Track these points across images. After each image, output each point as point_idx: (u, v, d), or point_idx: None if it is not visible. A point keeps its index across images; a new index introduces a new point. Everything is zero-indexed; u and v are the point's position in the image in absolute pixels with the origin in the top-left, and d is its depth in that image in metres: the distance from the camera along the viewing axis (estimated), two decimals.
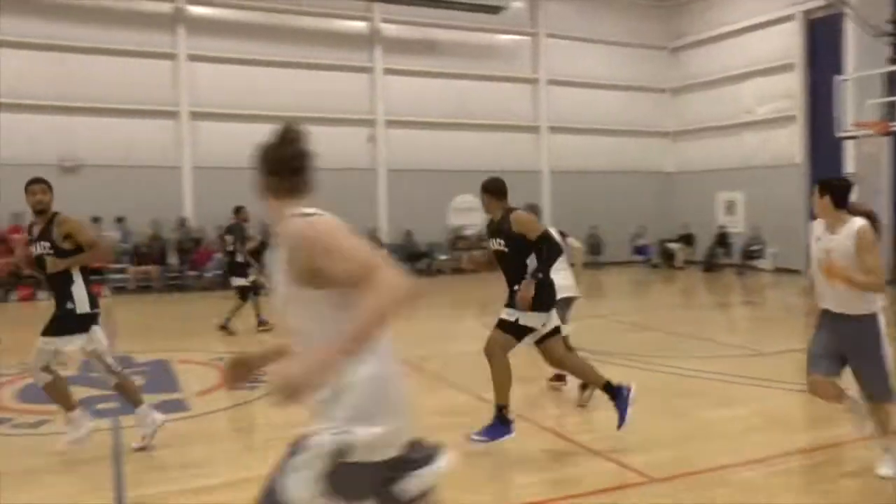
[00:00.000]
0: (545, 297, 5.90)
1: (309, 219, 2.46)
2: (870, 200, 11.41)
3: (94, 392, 8.01)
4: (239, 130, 20.17)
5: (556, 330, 6.04)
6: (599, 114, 24.80)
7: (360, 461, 2.44)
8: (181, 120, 20.30)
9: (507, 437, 5.80)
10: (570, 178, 24.15)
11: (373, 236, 21.49)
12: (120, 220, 19.03)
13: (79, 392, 7.92)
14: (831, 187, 5.05)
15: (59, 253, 5.86)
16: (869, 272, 4.82)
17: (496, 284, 12.15)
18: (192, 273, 19.29)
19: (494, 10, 22.36)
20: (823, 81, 19.56)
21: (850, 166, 18.87)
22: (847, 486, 5.10)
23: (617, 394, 5.96)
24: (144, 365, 9.61)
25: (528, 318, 5.83)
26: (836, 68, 19.11)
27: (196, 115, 20.39)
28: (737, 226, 23.01)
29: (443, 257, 21.75)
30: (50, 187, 6.01)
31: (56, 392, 6.02)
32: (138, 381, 8.66)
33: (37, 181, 5.99)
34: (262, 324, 12.27)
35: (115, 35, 19.52)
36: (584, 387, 7.27)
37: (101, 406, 7.40)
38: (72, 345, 5.93)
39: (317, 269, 2.36)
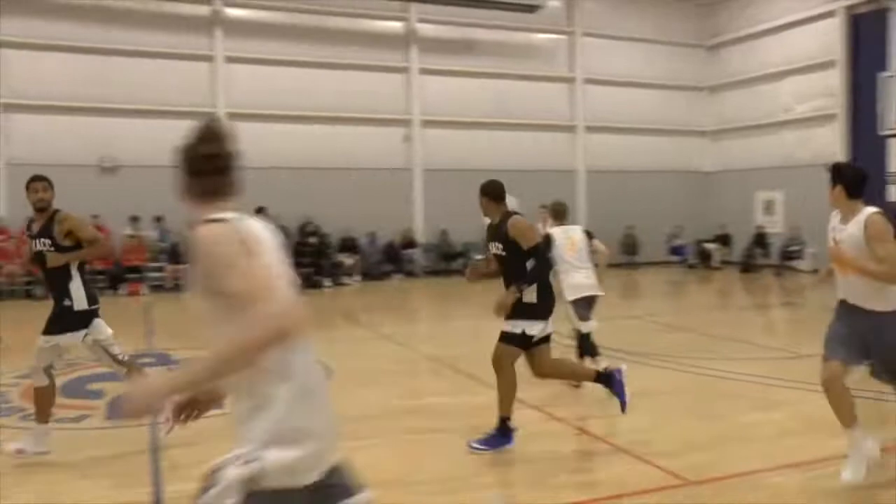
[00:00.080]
0: (546, 304, 5.85)
1: (218, 226, 2.29)
2: None
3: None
4: (275, 131, 20.47)
5: (548, 338, 5.95)
6: (636, 113, 24.60)
7: (278, 487, 2.31)
8: None
9: (508, 447, 5.78)
10: (606, 178, 23.99)
11: (408, 236, 21.59)
12: (158, 219, 19.28)
13: (115, 388, 8.07)
14: (843, 176, 4.87)
15: (59, 250, 5.87)
16: (882, 261, 4.59)
17: None
18: None
19: (531, 8, 22.29)
20: (866, 78, 19.24)
21: (893, 165, 18.53)
22: (886, 495, 4.99)
23: (611, 380, 5.94)
24: (182, 362, 9.72)
25: (532, 328, 5.78)
26: (880, 65, 18.77)
27: (233, 116, 20.53)
28: (775, 226, 22.67)
29: (478, 257, 21.63)
30: (51, 185, 6.04)
31: (43, 399, 5.97)
32: None
33: (38, 179, 6.03)
34: None
35: (153, 38, 19.81)
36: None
37: None
38: (73, 339, 5.88)
39: (215, 279, 2.24)
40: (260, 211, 12.86)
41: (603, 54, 24.38)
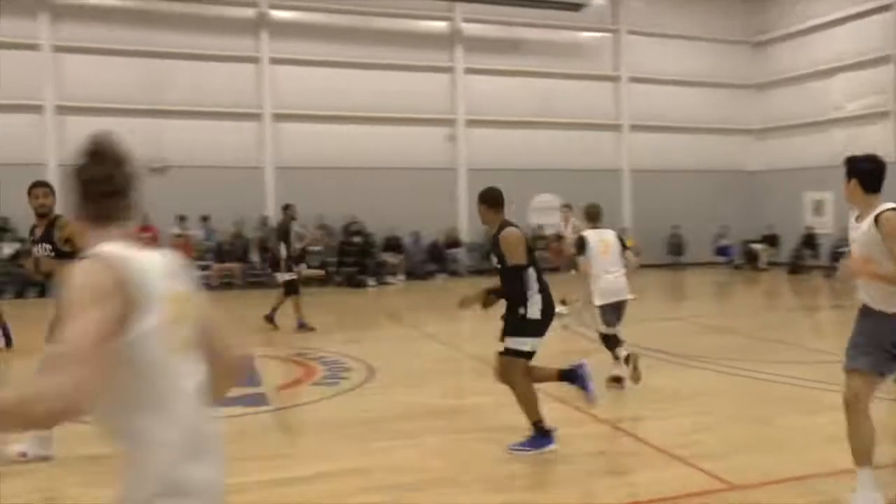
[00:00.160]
0: (549, 320, 5.80)
1: (92, 263, 2.04)
2: None
3: None
4: (320, 131, 20.66)
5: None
6: (681, 111, 24.31)
7: None
8: (264, 121, 20.76)
9: (549, 448, 5.72)
10: (651, 177, 23.76)
11: (452, 235, 21.60)
12: (205, 218, 19.57)
13: None
14: (858, 169, 4.45)
15: (59, 255, 5.84)
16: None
17: (572, 282, 12.10)
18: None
19: (576, 7, 22.18)
20: None
21: None
22: None
23: (574, 377, 5.87)
24: None
25: (535, 345, 5.74)
26: None
27: (278, 117, 20.83)
28: (825, 226, 22.22)
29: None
30: (52, 191, 6.00)
31: None
32: None
33: (39, 185, 5.99)
34: (301, 326, 12.18)
35: (200, 41, 20.12)
36: (626, 361, 7.67)
37: None
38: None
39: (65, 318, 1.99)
40: (287, 208, 12.91)
41: (648, 52, 24.16)
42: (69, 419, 1.84)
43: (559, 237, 14.33)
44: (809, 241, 22.12)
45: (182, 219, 19.14)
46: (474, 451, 5.81)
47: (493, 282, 5.96)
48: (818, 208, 22.86)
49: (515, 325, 5.71)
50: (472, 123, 22.41)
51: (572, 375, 5.95)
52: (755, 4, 25.11)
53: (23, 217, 18.01)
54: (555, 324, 9.38)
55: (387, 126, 21.27)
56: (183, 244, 19.08)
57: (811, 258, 21.89)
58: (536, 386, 5.87)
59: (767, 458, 5.65)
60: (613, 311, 8.02)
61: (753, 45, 25.33)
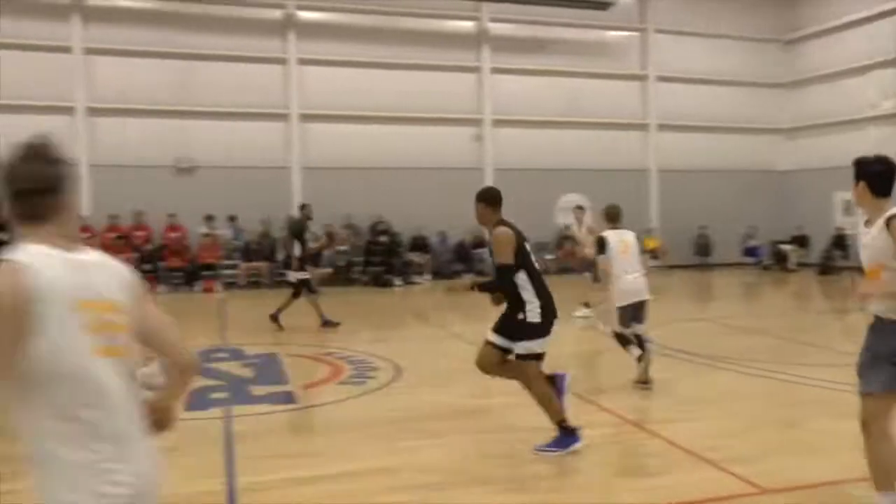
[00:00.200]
0: (549, 321, 5.73)
1: (3, 271, 2.03)
2: None
3: (208, 381, 8.34)
4: (347, 131, 20.75)
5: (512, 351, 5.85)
6: (709, 110, 24.10)
7: None
8: (291, 122, 20.87)
9: (576, 446, 5.69)
10: (678, 177, 23.59)
11: (478, 235, 21.57)
12: (232, 218, 19.71)
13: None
14: (867, 171, 4.19)
15: None
16: None
17: (588, 284, 12.03)
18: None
19: (603, 6, 22.06)
20: None
21: None
22: None
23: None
24: (254, 357, 9.92)
25: (543, 345, 5.72)
26: None
27: (305, 117, 20.93)
28: (856, 227, 21.90)
29: (549, 257, 21.59)
30: None
31: None
32: (248, 372, 9.01)
33: None
34: (326, 324, 12.21)
35: (228, 42, 20.27)
36: (640, 359, 7.78)
37: (213, 395, 7.69)
38: None
39: None
40: (303, 208, 12.94)
41: (676, 51, 23.97)
42: None
43: (572, 239, 14.26)
44: (840, 241, 21.83)
45: (210, 218, 19.29)
46: (500, 452, 5.80)
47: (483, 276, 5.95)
48: (849, 208, 22.52)
49: (518, 328, 5.70)
50: (498, 123, 22.39)
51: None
52: (786, 1, 24.84)
53: None
54: (581, 324, 9.36)
55: (413, 126, 21.31)
56: (211, 244, 19.26)
57: (841, 259, 21.58)
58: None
59: (798, 461, 5.57)
60: (633, 312, 7.99)
61: (784, 43, 25.04)
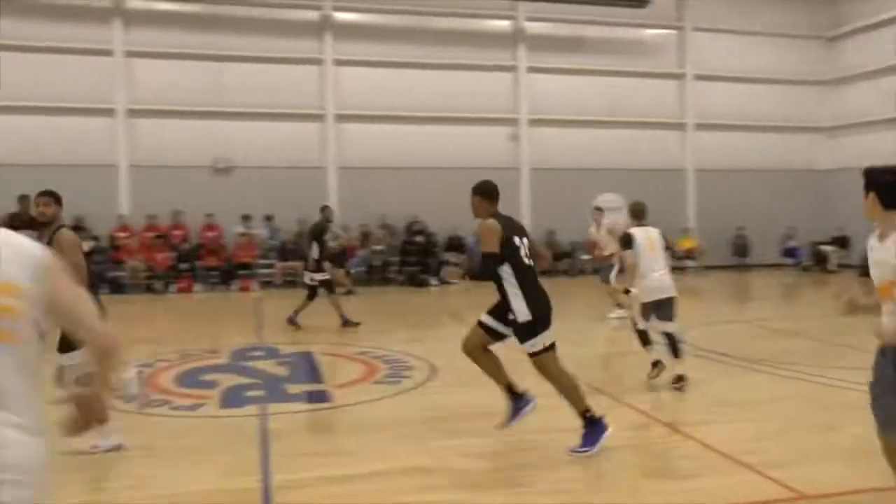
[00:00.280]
0: (542, 313, 5.74)
1: None
2: None
3: (243, 380, 8.45)
4: (383, 131, 20.84)
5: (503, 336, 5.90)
6: (748, 109, 23.77)
7: None
8: (327, 122, 21.01)
9: (606, 435, 5.67)
10: (715, 177, 23.33)
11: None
12: (268, 218, 19.89)
13: (227, 380, 8.39)
14: (876, 181, 3.96)
15: None
16: None
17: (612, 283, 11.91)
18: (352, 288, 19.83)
19: (640, 3, 21.89)
20: None
21: None
22: None
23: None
24: (290, 356, 10.01)
25: (548, 337, 5.73)
26: None
27: (341, 118, 21.06)
28: (868, 241, 21.42)
29: (585, 257, 21.50)
30: (56, 200, 5.96)
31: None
32: (283, 371, 9.10)
33: (42, 194, 5.98)
34: (346, 323, 12.24)
35: (265, 43, 20.46)
36: (654, 365, 7.94)
37: (249, 393, 7.78)
38: (72, 361, 5.64)
39: None
40: (323, 210, 13.01)
41: (714, 49, 23.70)
42: None
43: (593, 243, 14.22)
44: None
45: (246, 218, 19.48)
46: (534, 453, 5.79)
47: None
48: None
49: (518, 330, 5.73)
50: (534, 123, 22.32)
51: (518, 401, 5.91)
52: None
53: (98, 216, 18.68)
54: (615, 324, 9.31)
55: (449, 126, 21.33)
56: (247, 243, 19.46)
57: None
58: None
59: (839, 467, 5.48)
60: (658, 309, 8.02)
61: (826, 40, 24.62)
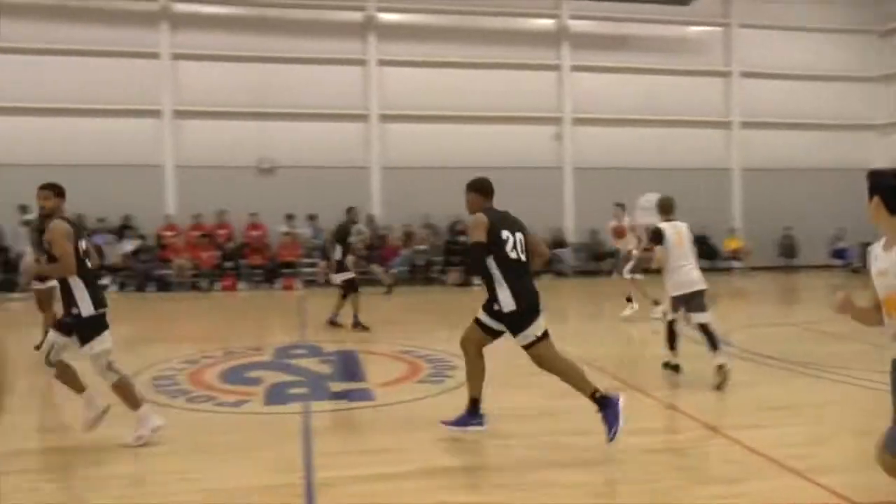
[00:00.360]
0: (528, 303, 5.83)
1: None
2: None
3: (287, 377, 8.51)
4: (426, 131, 20.90)
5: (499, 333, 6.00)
6: (796, 106, 23.36)
7: None
8: (371, 122, 21.12)
9: (622, 404, 5.66)
10: (762, 176, 22.97)
11: (558, 235, 21.45)
12: (312, 217, 20.05)
13: (271, 377, 8.46)
14: (881, 185, 3.76)
15: (49, 259, 5.93)
16: None
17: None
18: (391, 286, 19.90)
19: (684, 1, 21.66)
20: None
21: None
22: None
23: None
24: (332, 354, 10.07)
25: (537, 329, 5.80)
26: None
27: (385, 118, 21.16)
28: (873, 249, 20.84)
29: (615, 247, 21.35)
30: (56, 193, 6.01)
31: (69, 381, 6.06)
32: (326, 369, 9.15)
33: (42, 187, 6.04)
34: (357, 325, 12.26)
35: (309, 44, 20.68)
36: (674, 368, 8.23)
37: (292, 391, 7.84)
38: (74, 346, 5.89)
39: None
40: (349, 211, 13.05)
41: (761, 45, 23.33)
42: None
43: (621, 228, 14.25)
44: None
45: (290, 217, 19.67)
46: (576, 454, 5.75)
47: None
48: None
49: (507, 321, 5.83)
50: (578, 122, 22.21)
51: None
52: None
53: (145, 215, 19.02)
54: (658, 325, 9.20)
55: (493, 125, 21.31)
56: (291, 242, 19.64)
57: None
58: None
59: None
60: (688, 303, 8.11)
61: (877, 35, 24.07)
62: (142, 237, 19.03)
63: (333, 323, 12.38)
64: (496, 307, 5.81)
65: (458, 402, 6.83)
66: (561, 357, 5.88)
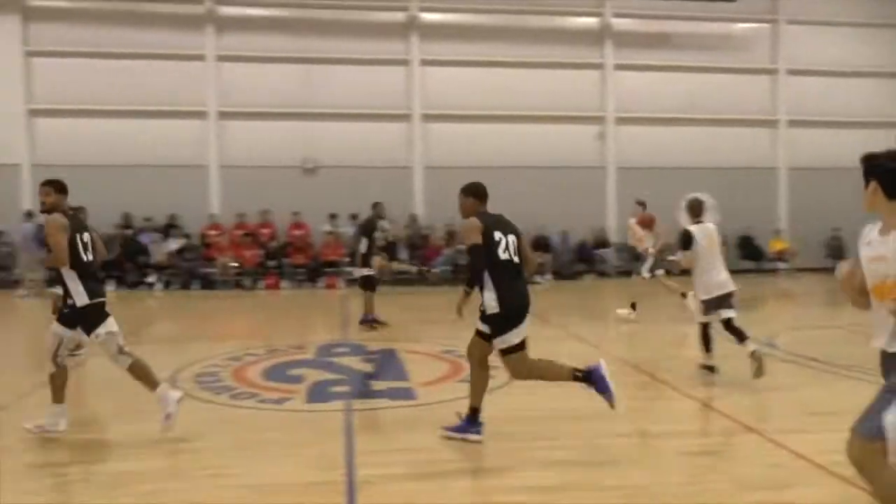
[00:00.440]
0: (513, 308, 5.80)
1: None
2: None
3: (329, 375, 8.58)
4: (469, 131, 20.90)
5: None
6: (845, 104, 22.83)
7: None
8: (413, 122, 21.18)
9: (603, 368, 5.79)
10: (809, 175, 22.54)
11: (600, 235, 21.30)
12: (354, 217, 20.12)
13: (313, 375, 8.54)
14: (879, 169, 3.67)
15: (49, 251, 6.11)
16: None
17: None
18: (424, 268, 19.99)
19: None
20: None
21: None
22: None
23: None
24: (374, 353, 10.13)
25: (516, 335, 5.80)
26: None
27: (427, 118, 21.20)
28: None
29: (672, 258, 21.08)
30: (56, 189, 6.14)
31: (54, 383, 6.16)
32: (368, 367, 9.21)
33: (42, 184, 6.20)
34: (364, 322, 12.29)
35: (352, 45, 20.82)
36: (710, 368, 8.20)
37: (334, 389, 7.90)
38: (79, 336, 6.12)
39: None
40: (375, 206, 13.07)
41: (809, 42, 22.88)
42: None
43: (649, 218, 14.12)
44: None
45: (333, 217, 19.81)
46: (619, 456, 5.71)
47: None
48: None
49: (488, 322, 5.82)
50: (621, 121, 22.03)
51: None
52: None
53: (190, 215, 19.31)
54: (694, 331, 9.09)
55: (535, 125, 21.23)
56: (333, 241, 19.78)
57: None
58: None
59: None
60: (715, 304, 8.11)
61: None
62: (187, 236, 19.33)
63: (363, 323, 12.48)
64: (481, 307, 5.83)
65: (498, 402, 6.83)
66: (533, 365, 5.92)
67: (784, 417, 6.99)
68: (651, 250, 13.08)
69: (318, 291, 18.83)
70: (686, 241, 8.18)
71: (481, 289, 5.84)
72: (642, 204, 14.37)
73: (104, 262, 6.98)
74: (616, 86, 22.07)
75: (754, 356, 7.70)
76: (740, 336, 7.90)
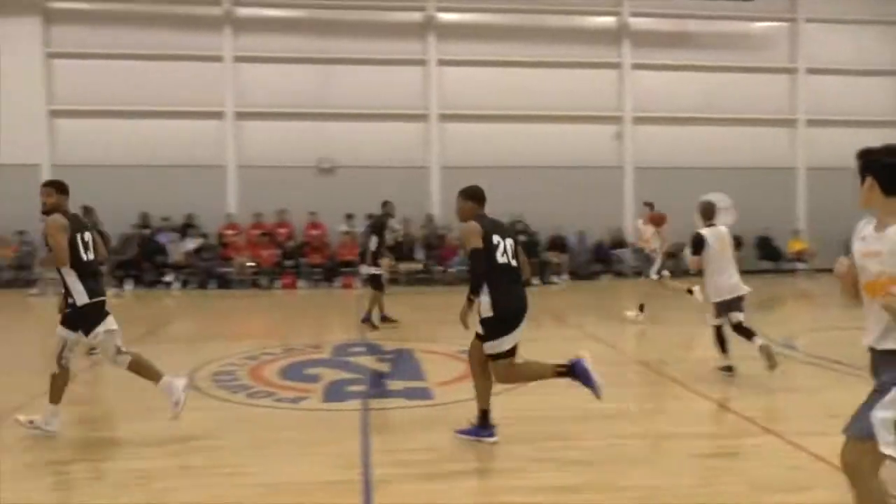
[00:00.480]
0: (508, 313, 5.80)
1: None
2: None
3: (345, 375, 8.59)
4: (485, 131, 20.88)
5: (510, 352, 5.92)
6: (865, 103, 22.59)
7: None
8: (430, 122, 21.18)
9: (586, 359, 5.83)
10: (829, 175, 22.25)
11: (617, 235, 21.22)
12: (371, 217, 20.13)
13: (329, 374, 8.55)
14: (875, 164, 3.64)
15: (50, 251, 6.15)
16: None
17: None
18: (438, 268, 20.02)
19: None
20: None
21: None
22: None
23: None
24: (390, 353, 10.14)
25: (507, 342, 5.80)
26: None
27: (444, 118, 21.19)
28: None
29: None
30: (57, 190, 6.19)
31: (54, 384, 6.16)
32: (384, 367, 9.22)
33: (44, 185, 6.25)
34: (366, 321, 12.28)
35: (369, 45, 20.84)
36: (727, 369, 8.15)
37: (351, 388, 7.91)
38: (79, 338, 6.16)
39: None
40: (385, 205, 13.02)
41: (828, 41, 22.68)
42: None
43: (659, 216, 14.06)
44: None
45: (349, 217, 19.84)
46: (637, 457, 5.69)
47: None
48: None
49: (482, 326, 5.81)
50: (639, 121, 21.93)
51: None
52: None
53: (207, 214, 19.38)
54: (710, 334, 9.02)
55: (553, 124, 21.18)
56: (350, 241, 19.81)
57: None
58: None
59: None
60: (726, 308, 8.13)
61: None
62: (204, 236, 19.43)
63: (386, 319, 12.50)
64: (478, 310, 5.82)
65: (515, 403, 6.82)
66: (518, 371, 5.95)
67: (804, 419, 6.92)
68: (657, 251, 13.06)
69: (334, 291, 18.87)
70: (697, 244, 8.16)
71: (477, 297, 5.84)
72: (650, 205, 14.34)
73: (120, 262, 7.06)
74: (633, 85, 21.98)
75: (763, 350, 7.81)
76: (749, 335, 8.00)
